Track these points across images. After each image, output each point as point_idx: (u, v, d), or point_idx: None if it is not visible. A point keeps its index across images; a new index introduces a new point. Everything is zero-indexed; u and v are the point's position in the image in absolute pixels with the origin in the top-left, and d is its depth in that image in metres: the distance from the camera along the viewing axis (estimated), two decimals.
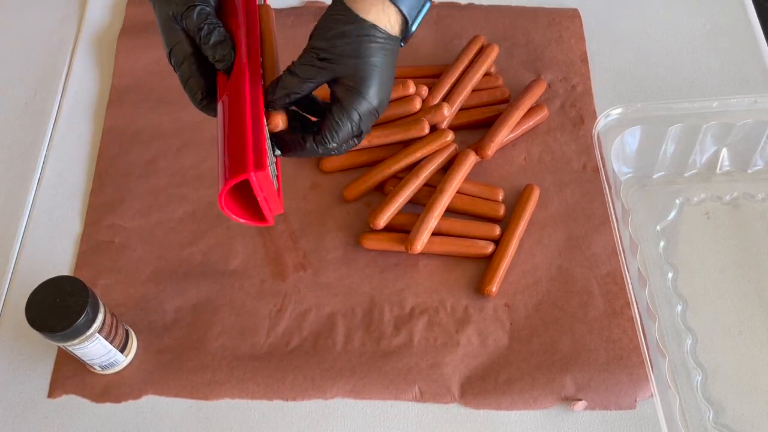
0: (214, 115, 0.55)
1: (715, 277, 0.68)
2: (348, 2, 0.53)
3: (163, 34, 0.55)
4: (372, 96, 0.54)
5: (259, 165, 0.49)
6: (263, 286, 0.69)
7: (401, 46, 0.56)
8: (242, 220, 0.52)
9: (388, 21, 0.54)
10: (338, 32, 0.53)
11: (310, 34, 0.55)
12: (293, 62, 0.55)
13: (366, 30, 0.53)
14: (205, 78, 0.55)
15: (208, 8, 0.54)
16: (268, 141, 0.53)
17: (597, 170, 0.74)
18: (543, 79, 0.79)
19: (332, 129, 0.54)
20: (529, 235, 0.71)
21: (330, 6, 0.55)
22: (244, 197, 0.52)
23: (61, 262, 0.70)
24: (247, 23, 0.56)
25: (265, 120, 0.53)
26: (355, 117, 0.54)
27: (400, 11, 0.54)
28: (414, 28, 0.56)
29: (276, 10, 0.87)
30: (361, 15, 0.53)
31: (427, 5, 0.55)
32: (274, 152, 0.55)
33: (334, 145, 0.55)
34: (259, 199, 0.51)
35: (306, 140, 0.55)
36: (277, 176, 0.55)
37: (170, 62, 0.55)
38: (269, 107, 0.54)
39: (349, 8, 0.53)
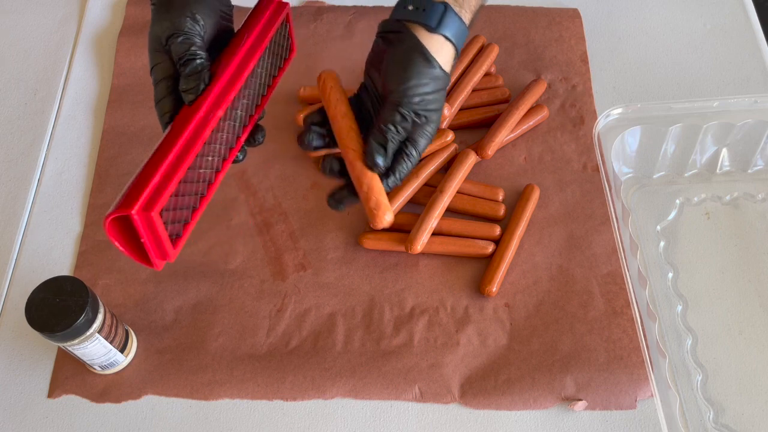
0: None
1: (715, 277, 0.68)
2: (433, 52, 0.55)
3: (149, 52, 0.55)
4: (433, 134, 0.58)
5: (149, 207, 0.47)
6: (263, 286, 0.69)
7: None
8: (127, 253, 0.50)
9: (451, 66, 0.57)
10: (435, 89, 0.55)
11: (403, 84, 0.55)
12: (412, 139, 0.56)
13: (446, 82, 0.56)
14: (178, 103, 0.55)
15: (194, 38, 0.54)
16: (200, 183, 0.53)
17: (597, 170, 0.74)
18: (543, 79, 0.79)
19: (407, 165, 0.57)
20: (530, 235, 0.71)
21: (417, 53, 0.55)
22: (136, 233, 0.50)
23: (61, 262, 0.70)
24: (242, 63, 0.55)
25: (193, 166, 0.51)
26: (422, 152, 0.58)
27: (456, 51, 0.57)
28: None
29: None
30: (445, 69, 0.56)
31: (467, 32, 0.58)
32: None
33: (400, 179, 0.58)
34: (143, 240, 0.49)
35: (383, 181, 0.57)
36: (188, 224, 0.53)
37: (151, 78, 0.56)
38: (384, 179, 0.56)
39: (435, 61, 0.55)
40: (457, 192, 0.71)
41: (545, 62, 0.82)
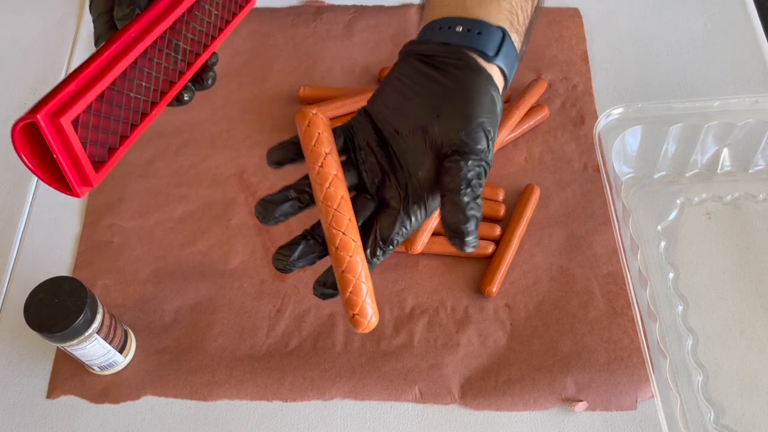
0: None
1: (716, 277, 0.68)
2: (494, 78, 0.45)
3: None
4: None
5: (59, 113, 0.41)
6: (263, 286, 0.68)
7: None
8: (38, 174, 0.43)
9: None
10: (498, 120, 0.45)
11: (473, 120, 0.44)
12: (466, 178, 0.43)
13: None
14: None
15: None
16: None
17: (598, 170, 0.74)
18: (543, 79, 0.79)
19: (462, 213, 0.43)
20: (530, 235, 0.70)
21: (491, 87, 0.45)
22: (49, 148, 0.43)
23: (59, 263, 0.70)
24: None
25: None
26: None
27: (506, 84, 0.48)
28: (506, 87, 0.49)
29: (276, 9, 0.87)
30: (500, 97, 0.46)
31: (517, 63, 0.49)
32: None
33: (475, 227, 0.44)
34: (55, 156, 0.42)
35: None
36: (115, 150, 0.47)
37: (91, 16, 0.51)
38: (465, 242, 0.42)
39: (498, 89, 0.45)
40: None
41: (545, 62, 0.82)
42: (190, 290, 0.68)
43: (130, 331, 0.65)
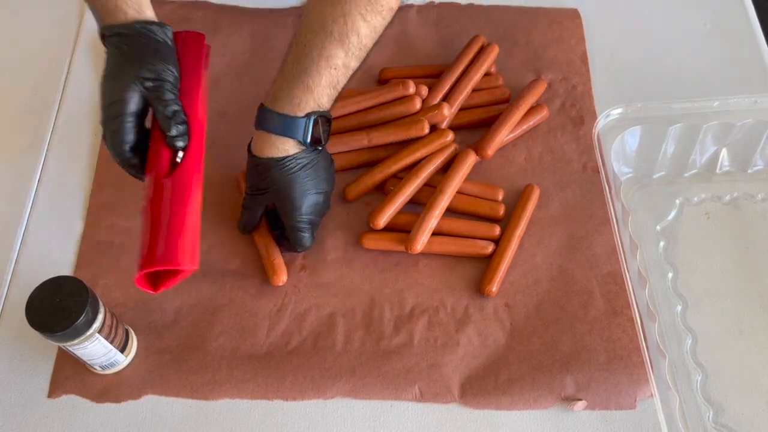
0: (136, 174, 0.61)
1: (715, 277, 0.68)
2: (255, 145, 0.65)
3: (110, 83, 0.59)
4: (305, 206, 0.65)
5: (191, 261, 0.57)
6: (263, 286, 0.68)
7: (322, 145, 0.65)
8: (141, 287, 0.58)
9: (300, 145, 0.64)
10: (261, 169, 0.64)
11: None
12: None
13: (284, 163, 0.63)
14: (136, 137, 0.60)
15: (175, 87, 0.60)
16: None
17: (597, 170, 0.74)
18: (543, 79, 0.79)
19: (296, 241, 0.67)
20: (530, 235, 0.71)
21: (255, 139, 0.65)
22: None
23: (61, 262, 0.70)
24: (199, 113, 0.62)
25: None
26: (303, 223, 0.66)
27: (287, 136, 0.64)
28: (325, 142, 0.65)
29: (276, 9, 0.87)
30: (277, 155, 0.63)
31: (313, 118, 0.63)
32: None
33: (309, 243, 0.68)
34: (169, 283, 0.59)
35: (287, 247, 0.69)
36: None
37: (103, 108, 0.59)
38: (244, 232, 0.70)
39: (250, 152, 0.65)
40: (457, 192, 0.71)
41: (545, 62, 0.82)
42: (191, 290, 0.68)
43: (131, 331, 0.65)
